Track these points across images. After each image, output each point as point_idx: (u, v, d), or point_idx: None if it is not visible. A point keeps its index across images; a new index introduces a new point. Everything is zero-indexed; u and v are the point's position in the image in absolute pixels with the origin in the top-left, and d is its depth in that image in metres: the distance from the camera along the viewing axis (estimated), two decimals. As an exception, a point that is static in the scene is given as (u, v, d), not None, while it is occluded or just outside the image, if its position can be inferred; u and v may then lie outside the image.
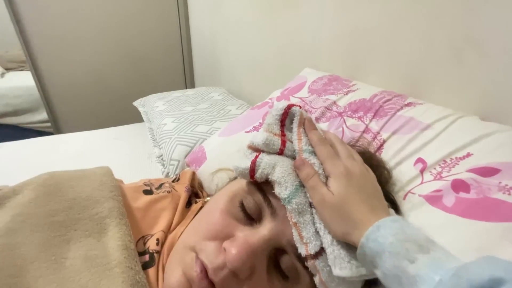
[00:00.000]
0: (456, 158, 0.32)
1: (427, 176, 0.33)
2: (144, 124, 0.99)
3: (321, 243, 0.25)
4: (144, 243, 0.31)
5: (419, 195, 0.31)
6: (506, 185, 0.27)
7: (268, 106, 0.57)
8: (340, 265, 0.23)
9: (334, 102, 0.50)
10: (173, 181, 0.49)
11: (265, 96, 0.66)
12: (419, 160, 0.35)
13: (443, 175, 0.31)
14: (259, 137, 0.31)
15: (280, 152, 0.30)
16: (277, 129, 0.30)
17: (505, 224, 0.24)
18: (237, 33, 1.10)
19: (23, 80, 1.65)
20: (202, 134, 0.76)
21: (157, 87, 1.45)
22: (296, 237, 0.26)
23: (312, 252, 0.25)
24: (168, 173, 0.68)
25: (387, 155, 0.38)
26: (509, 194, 0.26)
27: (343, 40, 0.63)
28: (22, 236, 0.25)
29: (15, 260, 0.24)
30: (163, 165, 0.72)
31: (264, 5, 0.90)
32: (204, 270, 0.26)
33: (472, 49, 0.40)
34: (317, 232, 0.26)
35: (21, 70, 1.87)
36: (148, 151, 0.88)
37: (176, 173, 0.66)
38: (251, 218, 0.28)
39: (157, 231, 0.34)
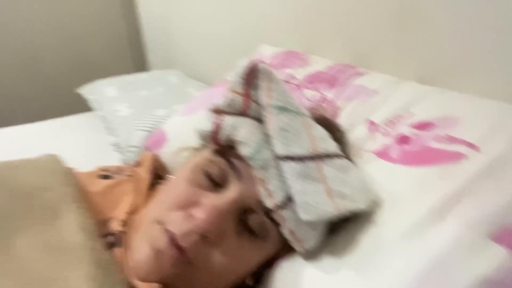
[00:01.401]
0: (399, 116, 0.36)
1: (377, 135, 0.36)
2: (91, 114, 0.91)
3: (286, 194, 0.26)
4: (106, 226, 0.30)
5: (371, 152, 0.34)
6: (439, 135, 0.31)
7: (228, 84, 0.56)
8: (307, 210, 0.25)
9: (292, 75, 0.52)
10: (133, 167, 0.46)
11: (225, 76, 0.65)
12: (370, 122, 0.38)
13: (389, 132, 0.35)
14: (223, 98, 0.31)
15: (243, 112, 0.30)
16: (241, 88, 0.30)
17: (438, 165, 0.28)
18: (192, 11, 1.04)
19: None
20: (162, 117, 0.73)
21: (100, 73, 1.31)
22: (262, 192, 0.27)
23: (279, 202, 0.26)
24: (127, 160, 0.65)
25: (342, 121, 0.41)
26: (442, 143, 0.30)
27: (296, 16, 0.64)
28: None
29: None
30: (121, 153, 0.68)
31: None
32: (173, 239, 0.25)
33: (410, 16, 0.44)
34: (282, 183, 0.27)
35: None
36: (101, 140, 0.81)
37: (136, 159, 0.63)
38: (216, 184, 0.29)
39: (120, 213, 0.32)
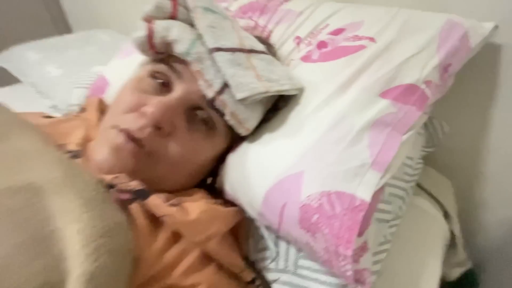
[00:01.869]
0: (319, 29, 0.42)
1: (302, 46, 0.42)
2: (8, 89, 0.81)
3: (223, 81, 0.31)
4: (62, 148, 0.31)
5: (297, 59, 0.40)
6: (348, 36, 0.38)
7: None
8: (240, 89, 0.29)
9: (227, 8, 0.54)
10: (78, 113, 0.46)
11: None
12: (296, 37, 0.43)
13: (311, 42, 0.41)
14: (150, 5, 0.32)
15: (173, 17, 0.33)
16: None
17: (345, 57, 0.35)
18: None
19: None
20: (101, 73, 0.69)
21: (14, 40, 1.13)
22: (202, 85, 0.31)
23: (217, 88, 0.30)
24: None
25: (273, 40, 0.45)
26: (349, 41, 0.37)
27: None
28: None
29: None
30: (62, 113, 0.64)
31: None
32: (129, 134, 0.28)
33: None
34: (217, 71, 0.31)
35: None
36: (37, 108, 0.75)
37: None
38: (161, 88, 0.32)
39: (74, 140, 0.33)
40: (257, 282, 0.32)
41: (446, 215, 0.48)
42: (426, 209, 0.46)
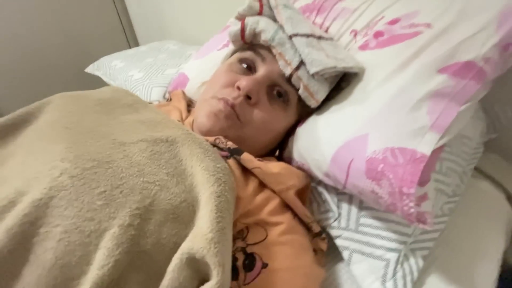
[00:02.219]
0: (375, 21, 0.46)
1: (359, 37, 0.46)
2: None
3: (299, 59, 0.37)
4: None
5: (355, 49, 0.45)
6: (404, 25, 0.42)
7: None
8: (314, 65, 0.35)
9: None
10: (167, 101, 0.57)
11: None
12: (352, 31, 0.48)
13: (368, 33, 0.45)
14: (243, 6, 0.41)
15: (260, 13, 0.41)
16: None
17: (403, 42, 0.38)
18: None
19: None
20: (172, 75, 0.81)
21: (100, 54, 1.36)
22: (282, 64, 0.38)
23: (295, 65, 0.37)
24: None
25: (331, 34, 0.51)
26: (406, 29, 0.41)
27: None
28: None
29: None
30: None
31: None
32: (226, 101, 0.36)
33: None
34: (295, 52, 0.38)
35: None
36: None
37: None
38: (249, 69, 0.39)
39: (174, 118, 0.43)
40: (323, 235, 0.37)
41: (510, 199, 0.47)
42: (488, 191, 0.46)
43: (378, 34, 0.43)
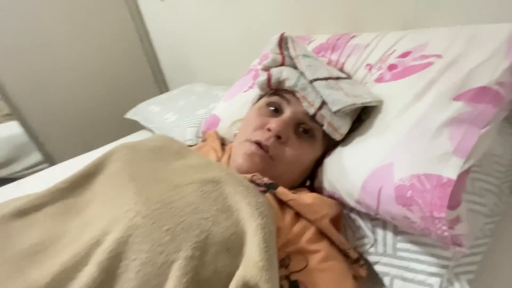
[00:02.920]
0: (387, 55, 0.51)
1: (373, 71, 0.51)
2: (138, 133, 1.12)
3: (321, 100, 0.42)
4: None
5: (371, 82, 0.49)
6: (415, 57, 0.45)
7: (254, 71, 0.73)
8: (335, 104, 0.40)
9: (302, 52, 0.67)
10: (202, 142, 0.63)
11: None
12: (367, 65, 0.53)
13: (382, 66, 0.49)
14: (267, 59, 0.47)
15: (282, 64, 0.47)
16: (277, 50, 0.47)
17: (416, 73, 0.42)
18: (203, 30, 1.23)
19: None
20: (203, 115, 0.90)
21: (134, 101, 1.52)
22: (306, 106, 0.42)
23: (317, 106, 0.41)
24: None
25: (347, 69, 0.55)
26: (417, 60, 0.44)
27: (295, 7, 0.79)
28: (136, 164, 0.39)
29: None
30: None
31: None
32: (259, 143, 0.41)
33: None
34: (317, 94, 0.42)
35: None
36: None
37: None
38: (277, 111, 0.45)
39: (212, 159, 0.48)
40: (361, 262, 0.38)
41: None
42: (531, 209, 0.45)
43: (392, 67, 0.47)
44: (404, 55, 0.47)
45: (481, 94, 0.35)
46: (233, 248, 0.29)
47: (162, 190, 0.33)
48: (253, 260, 0.26)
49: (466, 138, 0.32)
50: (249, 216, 0.30)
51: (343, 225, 0.43)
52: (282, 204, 0.37)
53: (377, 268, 0.38)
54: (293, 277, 0.31)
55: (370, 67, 0.52)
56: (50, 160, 1.51)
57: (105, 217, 0.30)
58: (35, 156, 1.58)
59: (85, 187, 0.37)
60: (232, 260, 0.28)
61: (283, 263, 0.32)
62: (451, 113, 0.35)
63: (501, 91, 0.35)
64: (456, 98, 0.36)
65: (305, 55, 0.45)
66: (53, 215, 0.33)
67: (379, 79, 0.47)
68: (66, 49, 1.45)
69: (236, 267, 0.28)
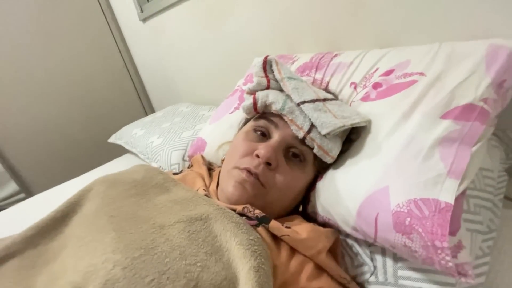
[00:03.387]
0: (371, 73, 0.51)
1: (359, 89, 0.50)
2: (122, 157, 1.08)
3: (310, 123, 0.40)
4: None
5: (357, 101, 0.48)
6: (398, 75, 0.46)
7: (239, 91, 0.72)
8: (324, 127, 0.38)
9: (286, 71, 0.67)
10: (188, 168, 0.60)
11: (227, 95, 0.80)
12: (352, 83, 0.53)
13: (366, 84, 0.49)
14: (252, 83, 0.46)
15: (267, 87, 0.45)
16: (262, 73, 0.46)
17: (401, 92, 0.42)
18: (185, 51, 1.23)
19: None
20: (189, 137, 0.88)
21: (119, 123, 1.48)
22: (295, 129, 0.41)
23: (306, 129, 0.40)
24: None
25: (332, 88, 0.55)
26: (401, 79, 0.44)
27: (277, 27, 0.80)
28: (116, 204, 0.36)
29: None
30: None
31: (202, 16, 1.05)
32: (249, 171, 0.39)
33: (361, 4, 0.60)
34: (305, 117, 0.41)
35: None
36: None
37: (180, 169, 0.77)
38: (264, 135, 0.43)
39: (200, 188, 0.46)
40: (363, 294, 0.36)
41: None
42: (524, 220, 0.45)
43: (376, 85, 0.47)
44: (388, 73, 0.48)
45: (467, 111, 0.35)
46: None
47: (144, 232, 0.30)
48: None
49: (459, 158, 0.31)
50: (241, 257, 0.27)
51: (341, 251, 0.41)
52: (276, 237, 0.35)
53: (380, 298, 0.36)
54: None
55: (355, 85, 0.52)
56: (27, 190, 1.42)
57: (78, 269, 0.27)
58: (11, 187, 1.48)
59: (58, 230, 0.34)
60: None
61: None
62: (440, 132, 0.34)
63: (487, 107, 0.36)
64: (443, 116, 0.36)
65: (291, 78, 0.44)
66: (18, 270, 0.29)
67: (365, 98, 0.47)
68: (45, 72, 1.40)
69: None
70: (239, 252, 0.28)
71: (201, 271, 0.26)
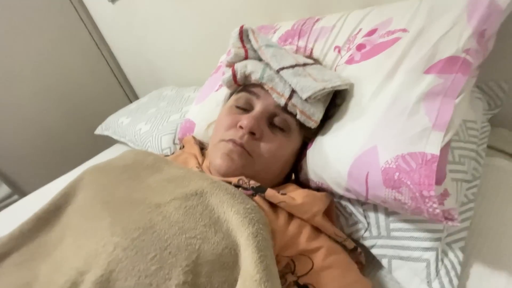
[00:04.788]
0: (354, 35, 0.50)
1: (343, 53, 0.50)
2: (111, 149, 1.06)
3: (290, 89, 0.40)
4: None
5: (342, 64, 0.48)
6: (382, 34, 0.45)
7: (223, 67, 0.70)
8: (305, 91, 0.38)
9: (269, 41, 0.65)
10: (180, 149, 0.60)
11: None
12: (336, 47, 0.52)
13: (350, 47, 0.49)
14: (230, 55, 0.45)
15: (246, 57, 0.45)
16: (239, 44, 0.45)
17: (386, 50, 0.41)
18: (163, 30, 1.17)
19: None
20: (177, 120, 0.86)
21: (103, 114, 1.43)
22: (276, 97, 0.41)
23: (287, 95, 0.40)
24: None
25: (316, 55, 0.54)
26: (384, 37, 0.44)
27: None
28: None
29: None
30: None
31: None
32: (234, 142, 0.39)
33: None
34: (285, 84, 0.41)
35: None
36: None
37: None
38: (246, 109, 0.43)
39: (193, 165, 0.46)
40: (359, 250, 0.38)
41: (530, 169, 0.48)
42: (506, 167, 0.47)
43: (360, 47, 0.47)
44: (371, 33, 0.47)
45: (450, 64, 0.35)
46: (228, 263, 0.27)
47: (141, 213, 0.30)
48: (249, 273, 0.25)
49: (443, 111, 0.32)
50: (239, 226, 0.28)
51: (335, 213, 0.42)
52: (273, 205, 0.36)
53: (374, 251, 0.38)
54: (302, 281, 0.30)
55: (339, 49, 0.51)
56: (20, 191, 1.40)
57: (79, 255, 0.27)
58: (3, 190, 1.45)
59: (53, 223, 0.34)
60: (228, 275, 0.26)
61: (288, 268, 0.31)
62: (424, 87, 0.34)
63: (469, 58, 0.36)
64: (427, 71, 0.36)
65: (268, 45, 0.43)
66: (19, 264, 0.29)
67: (350, 61, 0.46)
68: (21, 70, 1.32)
69: (234, 281, 0.26)
70: (237, 221, 0.28)
71: (202, 243, 0.27)
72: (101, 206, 0.32)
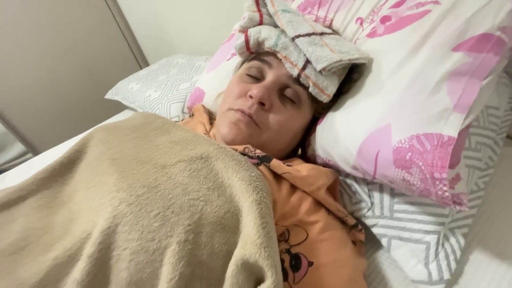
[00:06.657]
0: (379, 6, 0.46)
1: (365, 25, 0.46)
2: (121, 114, 1.07)
3: (304, 59, 0.38)
4: None
5: (363, 37, 0.45)
6: (410, 5, 0.41)
7: (236, 33, 0.67)
8: (320, 61, 0.36)
9: (287, 10, 0.61)
10: (191, 117, 0.60)
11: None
12: (358, 18, 0.48)
13: (374, 19, 0.45)
14: (244, 19, 0.42)
15: (260, 23, 0.42)
16: (254, 7, 0.42)
17: (414, 23, 0.38)
18: (174, 3, 1.12)
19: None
20: (187, 89, 0.85)
21: (114, 80, 1.43)
22: (289, 67, 0.39)
23: (301, 66, 0.38)
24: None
25: (337, 26, 0.51)
26: (413, 9, 0.40)
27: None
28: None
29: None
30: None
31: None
32: (243, 111, 0.39)
33: None
34: (299, 53, 0.39)
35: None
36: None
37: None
38: (258, 78, 0.41)
39: (200, 132, 0.45)
40: (359, 227, 0.38)
41: (549, 163, 0.46)
42: (523, 158, 0.45)
43: (385, 19, 0.43)
44: (398, 4, 0.43)
45: (482, 42, 0.32)
46: (229, 226, 0.27)
47: (147, 172, 0.30)
48: (250, 237, 0.25)
49: (467, 93, 0.30)
50: (243, 192, 0.28)
51: (340, 191, 0.42)
52: (277, 175, 0.35)
53: (375, 230, 0.38)
54: (294, 250, 0.31)
55: (361, 21, 0.48)
56: (33, 149, 1.45)
57: (90, 208, 0.28)
58: (18, 147, 1.50)
59: (66, 176, 0.35)
60: (229, 238, 0.27)
61: (283, 237, 0.31)
62: (450, 65, 0.32)
63: (504, 36, 0.33)
64: (456, 48, 0.33)
65: (285, 10, 0.40)
66: (36, 208, 0.31)
67: (372, 34, 0.44)
68: (37, 34, 1.32)
69: (234, 244, 0.27)
70: (241, 187, 0.29)
71: (205, 205, 0.28)
72: (109, 163, 0.32)
